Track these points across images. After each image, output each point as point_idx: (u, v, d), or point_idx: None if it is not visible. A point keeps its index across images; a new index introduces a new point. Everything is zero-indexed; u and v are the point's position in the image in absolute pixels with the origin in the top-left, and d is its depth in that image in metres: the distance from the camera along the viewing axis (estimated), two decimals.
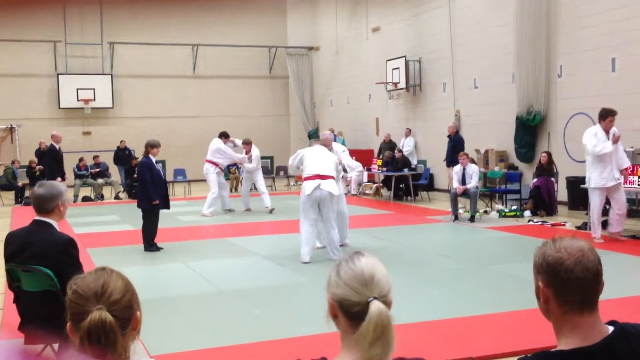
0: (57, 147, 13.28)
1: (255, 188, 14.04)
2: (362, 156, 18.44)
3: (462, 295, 6.44)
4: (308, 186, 8.04)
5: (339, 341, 1.62)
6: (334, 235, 8.24)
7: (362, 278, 1.60)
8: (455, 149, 13.64)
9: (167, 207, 9.29)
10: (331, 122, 22.39)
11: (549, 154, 12.46)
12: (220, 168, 13.67)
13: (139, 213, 9.27)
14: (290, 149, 23.58)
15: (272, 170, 21.03)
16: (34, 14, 22.11)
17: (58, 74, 22.54)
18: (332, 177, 8.15)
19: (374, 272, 1.61)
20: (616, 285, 6.31)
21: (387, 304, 1.59)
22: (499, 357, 4.59)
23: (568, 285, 1.68)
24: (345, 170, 9.11)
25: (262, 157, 14.53)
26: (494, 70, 15.14)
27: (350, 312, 1.59)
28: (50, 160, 13.64)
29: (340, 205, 8.80)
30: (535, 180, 12.37)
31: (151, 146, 9.13)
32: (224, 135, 13.96)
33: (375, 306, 1.55)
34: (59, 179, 12.54)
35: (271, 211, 13.36)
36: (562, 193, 12.76)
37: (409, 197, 15.61)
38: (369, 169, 17.17)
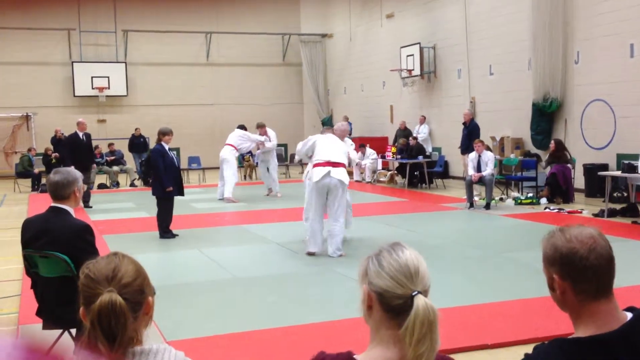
0: (80, 135, 12.88)
1: (268, 171, 14.22)
2: (376, 143, 18.37)
3: (477, 283, 6.42)
4: (317, 173, 7.55)
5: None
6: (338, 230, 7.55)
7: (408, 271, 1.53)
8: (471, 136, 13.53)
9: (182, 194, 9.35)
10: (345, 110, 22.33)
11: (558, 142, 12.31)
12: (236, 149, 13.89)
13: (154, 200, 9.33)
14: (304, 136, 23.38)
15: (286, 157, 21.04)
16: (48, 3, 22.18)
17: (72, 62, 22.65)
18: (344, 165, 7.75)
19: (419, 265, 1.55)
20: (636, 272, 6.24)
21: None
22: (514, 345, 4.57)
23: (584, 274, 1.66)
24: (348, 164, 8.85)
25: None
26: (510, 57, 14.97)
27: (390, 305, 1.51)
28: (66, 148, 13.45)
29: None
30: (547, 168, 12.25)
31: (163, 134, 9.17)
32: (243, 127, 14.46)
33: (422, 301, 1.48)
34: (72, 167, 12.44)
35: (267, 193, 14.06)
36: (579, 180, 12.64)
37: (423, 185, 15.55)
38: (383, 157, 17.10)
